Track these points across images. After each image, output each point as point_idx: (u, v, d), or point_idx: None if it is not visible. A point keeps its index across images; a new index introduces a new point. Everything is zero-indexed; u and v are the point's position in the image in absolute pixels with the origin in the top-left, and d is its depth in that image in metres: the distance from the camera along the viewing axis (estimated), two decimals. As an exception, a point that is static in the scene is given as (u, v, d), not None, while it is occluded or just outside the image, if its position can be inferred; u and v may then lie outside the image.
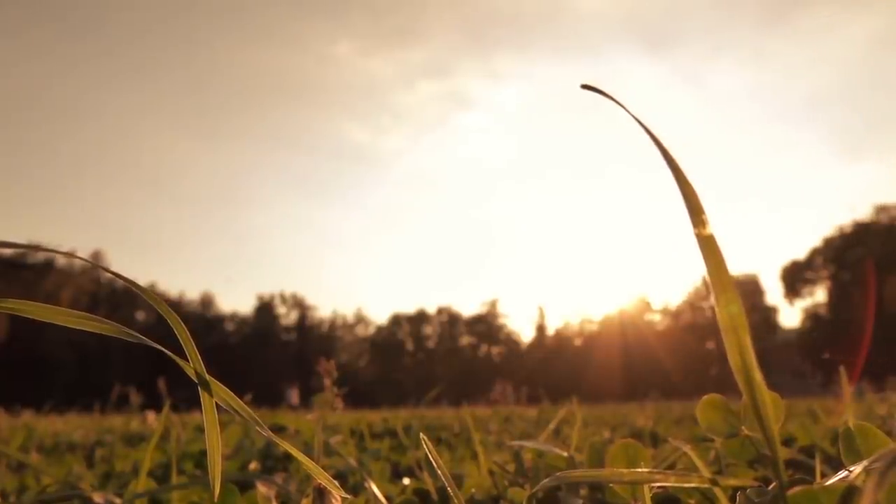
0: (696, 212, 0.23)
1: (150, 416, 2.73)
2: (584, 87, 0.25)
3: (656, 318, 48.52)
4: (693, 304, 46.73)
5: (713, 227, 0.23)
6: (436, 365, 46.08)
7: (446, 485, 0.71)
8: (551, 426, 1.27)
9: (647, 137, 0.23)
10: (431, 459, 0.36)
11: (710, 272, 0.23)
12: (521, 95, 67.47)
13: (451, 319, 50.29)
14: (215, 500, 0.31)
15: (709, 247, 0.23)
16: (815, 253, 40.89)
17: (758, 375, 0.22)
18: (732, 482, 0.26)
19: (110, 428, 2.38)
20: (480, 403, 4.79)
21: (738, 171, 63.20)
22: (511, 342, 50.51)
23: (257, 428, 0.33)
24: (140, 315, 40.22)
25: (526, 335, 54.48)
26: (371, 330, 51.14)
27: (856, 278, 35.75)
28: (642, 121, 0.24)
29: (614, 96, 0.27)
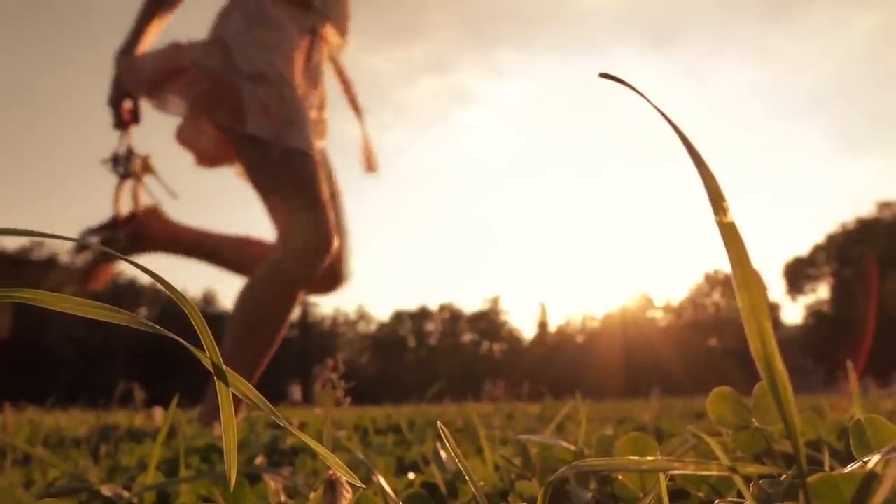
0: (716, 199, 0.23)
1: (158, 411, 2.74)
2: (602, 75, 0.25)
3: (658, 315, 48.54)
4: (695, 301, 46.71)
5: (734, 215, 0.23)
6: (438, 362, 46.10)
7: (456, 476, 0.71)
8: (555, 422, 1.27)
9: (668, 126, 0.23)
10: (449, 448, 0.36)
11: (731, 259, 0.23)
12: (523, 92, 67.45)
13: (452, 316, 50.31)
14: (231, 490, 0.31)
15: (730, 234, 0.23)
16: (818, 249, 40.85)
17: (779, 363, 0.22)
18: (751, 469, 0.26)
19: (115, 423, 2.38)
20: (483, 400, 4.79)
21: (741, 168, 63.18)
22: (513, 339, 50.55)
23: (274, 418, 0.33)
24: (143, 311, 40.29)
25: (528, 332, 54.54)
26: (373, 327, 51.19)
27: (859, 275, 35.70)
28: (662, 110, 0.24)
29: (624, 88, 0.27)
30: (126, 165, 2.13)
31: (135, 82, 2.09)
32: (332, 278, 2.27)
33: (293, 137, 2.00)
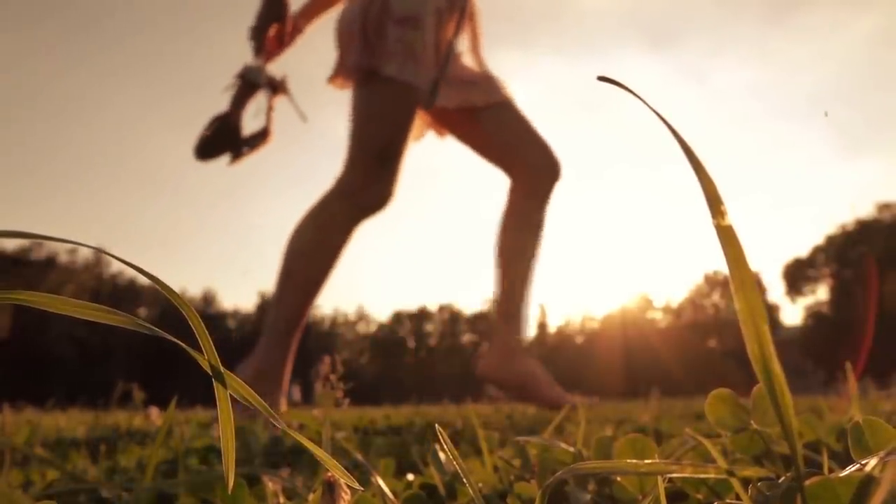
0: (714, 202, 0.23)
1: (154, 411, 2.74)
2: (601, 78, 0.25)
3: (658, 315, 48.56)
4: (695, 302, 46.73)
5: (731, 218, 0.23)
6: (437, 362, 46.11)
7: (454, 478, 0.71)
8: (554, 423, 1.26)
9: (666, 129, 0.23)
10: (446, 450, 0.36)
11: (729, 263, 0.23)
12: (523, 93, 67.33)
13: (452, 317, 50.31)
14: (230, 493, 0.31)
15: (728, 237, 0.23)
16: (818, 251, 40.87)
17: (776, 366, 0.22)
18: (749, 472, 0.26)
19: (114, 424, 2.38)
20: (482, 401, 4.79)
21: (740, 169, 63.19)
22: (512, 340, 50.49)
23: (272, 420, 0.33)
24: (142, 311, 40.27)
25: (527, 333, 54.52)
26: (372, 327, 51.19)
27: (858, 276, 35.73)
28: (659, 113, 0.24)
29: (624, 89, 0.27)
30: (255, 76, 2.10)
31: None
32: (549, 175, 2.28)
33: (423, 82, 2.00)
